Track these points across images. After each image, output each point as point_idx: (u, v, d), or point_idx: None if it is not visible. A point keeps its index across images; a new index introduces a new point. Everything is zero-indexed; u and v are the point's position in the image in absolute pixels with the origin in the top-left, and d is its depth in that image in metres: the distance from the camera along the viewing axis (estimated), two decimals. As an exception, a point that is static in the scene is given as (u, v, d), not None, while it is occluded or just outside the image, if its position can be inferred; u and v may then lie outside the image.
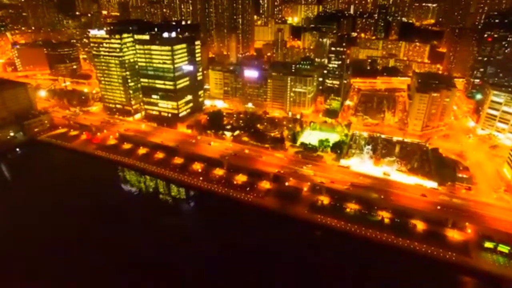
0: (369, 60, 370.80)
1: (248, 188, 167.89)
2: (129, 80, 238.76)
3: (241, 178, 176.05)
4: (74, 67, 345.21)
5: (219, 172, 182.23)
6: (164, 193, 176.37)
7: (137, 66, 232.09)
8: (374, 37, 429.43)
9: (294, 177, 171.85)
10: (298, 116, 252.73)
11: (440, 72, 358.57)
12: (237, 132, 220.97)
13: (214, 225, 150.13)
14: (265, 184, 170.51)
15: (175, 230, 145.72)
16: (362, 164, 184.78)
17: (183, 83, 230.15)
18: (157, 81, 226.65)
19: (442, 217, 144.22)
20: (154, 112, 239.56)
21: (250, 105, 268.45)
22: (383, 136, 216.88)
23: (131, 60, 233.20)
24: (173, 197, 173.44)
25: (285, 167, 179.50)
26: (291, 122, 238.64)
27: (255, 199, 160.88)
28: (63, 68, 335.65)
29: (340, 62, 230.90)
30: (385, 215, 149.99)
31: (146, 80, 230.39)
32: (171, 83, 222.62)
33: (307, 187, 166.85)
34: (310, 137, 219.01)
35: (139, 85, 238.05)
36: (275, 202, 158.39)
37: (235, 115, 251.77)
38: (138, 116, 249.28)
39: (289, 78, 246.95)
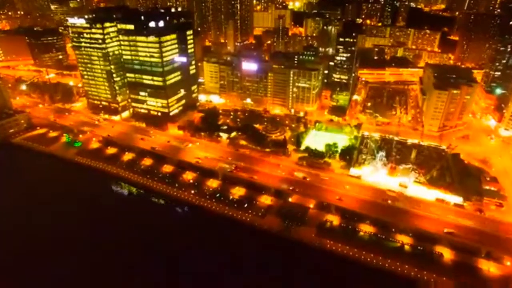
0: (376, 49, 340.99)
1: (246, 204, 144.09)
2: (115, 75, 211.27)
3: (238, 192, 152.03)
4: (60, 57, 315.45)
5: (213, 183, 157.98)
6: (149, 208, 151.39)
7: (122, 59, 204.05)
8: (380, 24, 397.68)
9: (299, 190, 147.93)
10: (301, 114, 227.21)
11: (451, 62, 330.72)
12: (233, 134, 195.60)
13: (205, 251, 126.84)
14: (266, 200, 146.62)
15: (160, 251, 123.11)
16: (375, 174, 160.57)
17: (173, 78, 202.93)
18: (144, 77, 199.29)
19: (473, 244, 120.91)
20: (142, 111, 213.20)
21: (248, 100, 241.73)
22: (396, 138, 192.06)
23: (116, 52, 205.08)
24: (160, 213, 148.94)
25: (288, 179, 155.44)
26: (294, 121, 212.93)
27: (254, 218, 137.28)
28: (48, 59, 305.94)
29: (349, 55, 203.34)
30: (405, 240, 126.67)
31: (132, 75, 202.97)
32: (159, 78, 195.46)
33: (313, 204, 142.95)
34: (315, 139, 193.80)
35: (126, 80, 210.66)
36: (277, 223, 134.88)
37: (232, 113, 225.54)
38: (125, 114, 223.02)
39: (291, 72, 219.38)
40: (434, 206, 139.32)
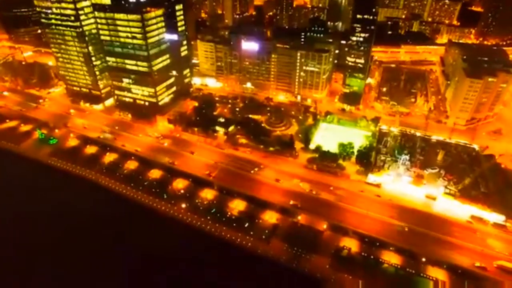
0: (389, 23, 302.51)
1: (246, 224, 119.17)
2: (94, 58, 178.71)
3: (237, 207, 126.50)
4: (39, 31, 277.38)
5: (207, 195, 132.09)
6: (130, 224, 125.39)
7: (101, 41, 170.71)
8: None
9: (310, 207, 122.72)
10: (309, 101, 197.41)
11: (472, 37, 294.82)
12: (232, 128, 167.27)
13: None
14: (270, 218, 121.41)
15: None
16: (398, 181, 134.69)
17: (161, 62, 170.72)
18: (127, 61, 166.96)
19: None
20: (127, 99, 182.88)
21: (249, 85, 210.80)
22: (417, 133, 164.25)
23: (93, 32, 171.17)
24: (143, 231, 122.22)
25: (296, 192, 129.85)
26: (301, 111, 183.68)
27: (257, 243, 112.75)
28: (24, 33, 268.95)
29: (367, 35, 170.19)
30: (440, 277, 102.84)
31: (113, 59, 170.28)
32: (145, 64, 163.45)
33: (327, 224, 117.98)
34: (325, 134, 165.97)
35: (107, 64, 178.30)
36: (285, 250, 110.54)
37: (230, 101, 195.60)
38: (109, 102, 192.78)
39: (298, 53, 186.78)
40: (469, 225, 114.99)
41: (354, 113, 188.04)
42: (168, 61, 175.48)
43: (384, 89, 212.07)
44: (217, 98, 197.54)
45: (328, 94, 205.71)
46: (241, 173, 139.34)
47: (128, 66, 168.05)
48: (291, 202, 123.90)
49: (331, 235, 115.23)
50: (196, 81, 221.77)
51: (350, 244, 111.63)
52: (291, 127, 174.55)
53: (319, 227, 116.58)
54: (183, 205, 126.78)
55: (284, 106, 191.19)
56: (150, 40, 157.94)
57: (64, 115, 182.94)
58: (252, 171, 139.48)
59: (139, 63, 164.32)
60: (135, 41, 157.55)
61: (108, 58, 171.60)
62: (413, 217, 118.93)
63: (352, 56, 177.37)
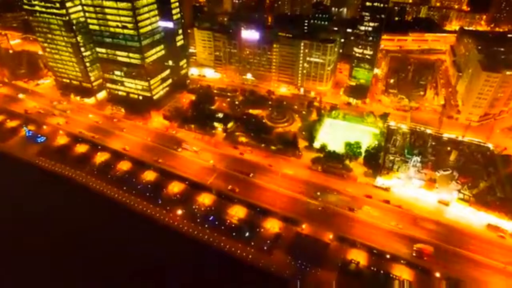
0: (396, 8, 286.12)
1: (247, 233, 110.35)
2: (83, 48, 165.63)
3: (237, 213, 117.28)
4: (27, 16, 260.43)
5: (205, 199, 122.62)
6: (122, 232, 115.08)
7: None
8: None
9: (316, 217, 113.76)
10: (312, 94, 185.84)
11: (482, 23, 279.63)
12: (231, 125, 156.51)
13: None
14: (273, 227, 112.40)
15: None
16: (408, 185, 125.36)
17: (155, 53, 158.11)
18: (118, 53, 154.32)
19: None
20: (120, 93, 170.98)
21: (249, 76, 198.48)
22: (428, 131, 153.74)
23: (81, 20, 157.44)
24: (135, 240, 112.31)
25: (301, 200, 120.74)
26: (304, 106, 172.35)
27: (259, 255, 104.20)
28: (11, 19, 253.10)
29: (377, 24, 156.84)
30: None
31: (103, 50, 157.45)
32: (137, 56, 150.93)
33: (333, 234, 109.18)
34: (331, 131, 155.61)
35: (98, 55, 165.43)
36: (288, 263, 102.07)
37: (229, 94, 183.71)
38: (101, 95, 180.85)
39: (302, 44, 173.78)
40: (486, 240, 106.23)
41: (361, 107, 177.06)
42: (163, 51, 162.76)
43: (392, 81, 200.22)
44: (215, 91, 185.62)
45: (333, 86, 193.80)
46: (240, 177, 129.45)
47: (119, 58, 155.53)
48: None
49: (337, 246, 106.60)
50: (194, 72, 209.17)
51: (359, 257, 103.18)
52: (294, 122, 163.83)
53: (325, 238, 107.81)
54: (179, 211, 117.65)
55: (286, 99, 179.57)
56: (142, 30, 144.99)
57: (51, 110, 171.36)
58: (251, 175, 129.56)
59: (131, 54, 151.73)
60: (126, 31, 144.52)
61: (97, 49, 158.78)
62: (426, 227, 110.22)
63: (360, 47, 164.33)
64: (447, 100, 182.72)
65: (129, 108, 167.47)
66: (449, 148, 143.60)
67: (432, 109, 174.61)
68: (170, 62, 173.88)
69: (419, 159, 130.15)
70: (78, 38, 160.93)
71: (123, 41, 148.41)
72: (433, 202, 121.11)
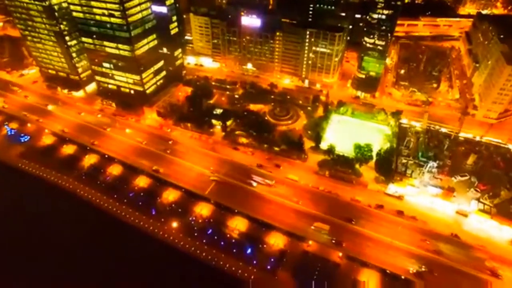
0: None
1: (249, 250, 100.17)
2: (68, 38, 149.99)
3: (237, 226, 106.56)
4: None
5: (203, 210, 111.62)
6: (113, 247, 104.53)
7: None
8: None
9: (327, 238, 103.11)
10: (318, 86, 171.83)
11: (498, 5, 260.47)
12: (230, 122, 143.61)
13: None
14: (276, 243, 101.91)
15: None
16: (423, 193, 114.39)
17: (147, 44, 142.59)
18: (106, 43, 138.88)
19: None
20: (110, 86, 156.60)
21: (250, 66, 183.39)
22: (443, 129, 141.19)
23: (64, 6, 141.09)
24: (128, 256, 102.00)
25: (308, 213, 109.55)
26: (309, 100, 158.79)
27: (262, 275, 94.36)
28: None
29: (392, 12, 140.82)
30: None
31: (89, 40, 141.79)
32: (127, 47, 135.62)
33: (342, 252, 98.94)
34: (338, 128, 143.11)
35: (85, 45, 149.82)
36: (294, 285, 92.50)
37: (228, 87, 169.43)
38: (91, 87, 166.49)
39: (307, 32, 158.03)
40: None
41: (370, 102, 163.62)
42: (155, 42, 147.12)
43: (402, 71, 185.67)
44: (213, 83, 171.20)
45: (339, 78, 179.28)
46: (242, 185, 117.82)
47: (107, 49, 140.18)
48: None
49: (347, 265, 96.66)
50: (190, 61, 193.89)
51: (371, 278, 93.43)
52: (299, 119, 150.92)
53: (334, 257, 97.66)
54: (174, 224, 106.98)
55: (290, 93, 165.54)
56: (131, 19, 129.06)
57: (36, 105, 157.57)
58: (254, 184, 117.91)
59: (120, 46, 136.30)
60: (113, 19, 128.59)
61: (83, 39, 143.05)
62: (441, 243, 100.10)
63: (371, 36, 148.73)
64: (462, 94, 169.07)
65: (120, 102, 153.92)
66: (462, 148, 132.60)
67: (446, 104, 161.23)
68: (165, 50, 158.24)
69: (435, 164, 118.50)
70: (62, 26, 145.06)
71: (110, 31, 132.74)
72: (451, 213, 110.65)
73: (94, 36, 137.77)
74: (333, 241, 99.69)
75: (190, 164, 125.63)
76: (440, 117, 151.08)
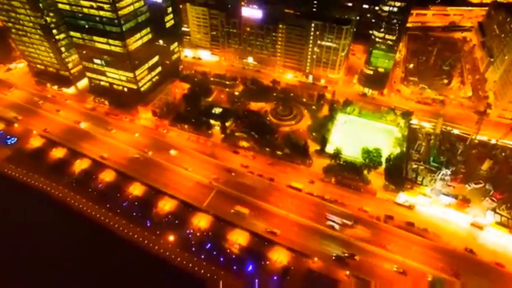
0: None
1: (250, 267, 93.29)
2: (55, 31, 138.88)
3: (237, 239, 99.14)
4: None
5: (201, 222, 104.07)
6: (105, 261, 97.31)
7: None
8: None
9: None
10: (322, 82, 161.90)
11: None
12: (229, 123, 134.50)
13: None
14: (280, 260, 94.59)
15: None
16: (435, 203, 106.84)
17: (140, 39, 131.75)
18: (96, 38, 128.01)
19: None
20: (102, 83, 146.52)
21: (250, 60, 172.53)
22: (455, 131, 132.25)
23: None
24: (120, 274, 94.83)
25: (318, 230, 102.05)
26: (314, 97, 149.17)
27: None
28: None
29: (404, 4, 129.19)
30: None
31: (78, 34, 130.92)
32: (118, 42, 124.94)
33: (349, 271, 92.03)
34: (344, 130, 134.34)
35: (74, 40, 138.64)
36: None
37: (228, 83, 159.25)
38: (82, 83, 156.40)
39: (312, 25, 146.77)
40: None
41: (377, 99, 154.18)
42: (150, 36, 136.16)
43: (411, 66, 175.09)
44: (212, 79, 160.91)
45: (345, 72, 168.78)
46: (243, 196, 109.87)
47: (98, 45, 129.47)
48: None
49: (355, 283, 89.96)
50: (187, 53, 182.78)
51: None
52: (303, 119, 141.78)
53: (341, 275, 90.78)
54: (171, 237, 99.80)
55: (293, 90, 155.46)
56: (122, 12, 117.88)
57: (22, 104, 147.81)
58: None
59: (111, 41, 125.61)
60: (102, 13, 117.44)
61: (72, 33, 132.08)
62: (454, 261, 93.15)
63: (381, 30, 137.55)
64: (474, 91, 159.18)
65: (114, 100, 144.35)
66: (474, 151, 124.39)
67: (458, 103, 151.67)
68: (161, 42, 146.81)
69: (449, 172, 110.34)
70: (48, 19, 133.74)
71: (100, 25, 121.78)
72: (465, 225, 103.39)
73: (83, 30, 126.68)
74: (345, 255, 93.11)
75: (188, 173, 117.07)
76: (451, 116, 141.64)
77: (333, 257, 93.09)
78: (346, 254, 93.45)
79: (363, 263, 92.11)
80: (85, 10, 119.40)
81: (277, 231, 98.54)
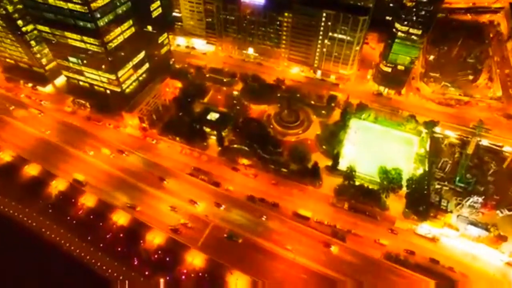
0: None
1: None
2: (21, 22, 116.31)
3: (238, 281, 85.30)
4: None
5: (195, 259, 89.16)
6: None
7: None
8: None
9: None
10: (332, 78, 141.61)
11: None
12: (226, 133, 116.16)
13: None
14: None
15: None
16: (463, 236, 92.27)
17: (121, 34, 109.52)
18: (68, 34, 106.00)
19: None
20: (81, 83, 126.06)
21: (251, 51, 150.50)
22: (483, 141, 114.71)
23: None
24: None
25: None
26: (323, 98, 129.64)
27: None
28: None
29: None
30: None
31: (46, 29, 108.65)
32: (95, 41, 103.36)
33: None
34: (357, 139, 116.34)
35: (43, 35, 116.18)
36: None
37: (225, 80, 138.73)
38: (60, 81, 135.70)
39: (324, 15, 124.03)
40: None
41: (394, 100, 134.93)
42: (133, 29, 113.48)
43: (431, 58, 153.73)
44: (208, 74, 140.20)
45: (358, 67, 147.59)
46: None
47: (71, 42, 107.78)
48: None
49: None
50: (180, 42, 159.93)
51: None
52: (311, 125, 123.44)
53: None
54: (161, 280, 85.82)
55: (299, 88, 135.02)
56: (96, 4, 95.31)
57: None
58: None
59: (85, 38, 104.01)
60: (70, 5, 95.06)
61: (39, 27, 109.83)
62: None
63: (406, 24, 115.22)
64: (504, 89, 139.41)
65: (95, 103, 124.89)
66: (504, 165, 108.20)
67: (486, 104, 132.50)
68: (150, 28, 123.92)
69: (480, 199, 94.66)
70: (9, 8, 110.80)
71: (70, 19, 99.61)
72: (498, 263, 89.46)
73: (51, 24, 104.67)
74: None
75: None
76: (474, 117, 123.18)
77: None
78: None
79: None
80: (50, 0, 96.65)
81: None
